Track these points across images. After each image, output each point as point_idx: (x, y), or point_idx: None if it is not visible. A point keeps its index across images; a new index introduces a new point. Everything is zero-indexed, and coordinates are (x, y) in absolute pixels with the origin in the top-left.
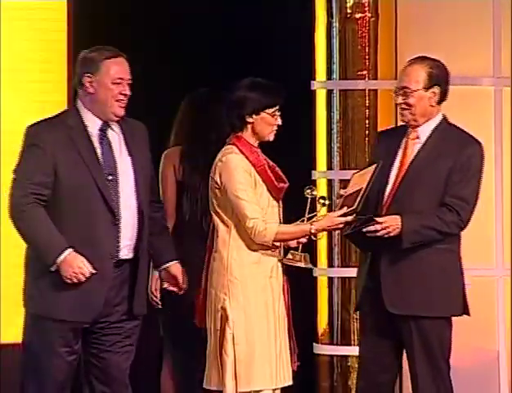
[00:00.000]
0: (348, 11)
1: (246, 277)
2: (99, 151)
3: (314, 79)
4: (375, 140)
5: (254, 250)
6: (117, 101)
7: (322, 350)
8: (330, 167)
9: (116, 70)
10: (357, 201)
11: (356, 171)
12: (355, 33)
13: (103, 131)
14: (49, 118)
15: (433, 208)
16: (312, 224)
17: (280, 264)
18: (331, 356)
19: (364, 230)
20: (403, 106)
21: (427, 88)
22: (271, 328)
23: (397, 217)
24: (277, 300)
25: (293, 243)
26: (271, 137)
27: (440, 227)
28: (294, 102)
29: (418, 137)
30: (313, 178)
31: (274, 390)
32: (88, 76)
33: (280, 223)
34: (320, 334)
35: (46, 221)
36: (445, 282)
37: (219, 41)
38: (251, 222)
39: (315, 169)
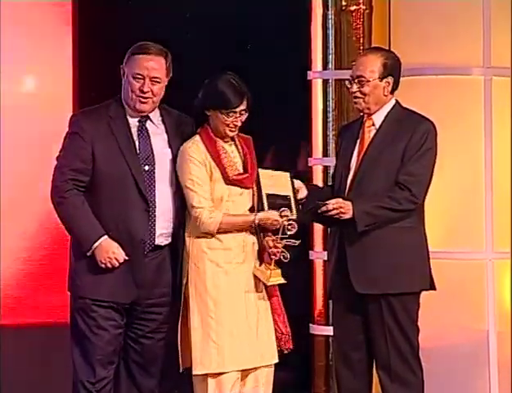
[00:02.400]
0: (343, 3)
1: (204, 263)
2: (137, 141)
3: (310, 69)
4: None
5: (214, 237)
6: (137, 96)
7: (318, 330)
8: (325, 154)
9: (137, 66)
10: (294, 209)
11: (262, 169)
12: (350, 24)
13: (142, 122)
14: (93, 107)
15: (390, 189)
16: (255, 215)
17: (251, 250)
18: (327, 336)
19: (319, 211)
20: (358, 94)
21: (381, 78)
22: (234, 312)
23: (348, 202)
24: (245, 284)
25: (267, 259)
26: (230, 134)
27: (391, 205)
28: (291, 91)
29: (373, 124)
30: (309, 164)
31: (246, 370)
32: (122, 67)
33: (254, 209)
34: (316, 315)
35: (84, 208)
36: (409, 259)
37: (217, 32)
38: (196, 211)
39: (311, 156)
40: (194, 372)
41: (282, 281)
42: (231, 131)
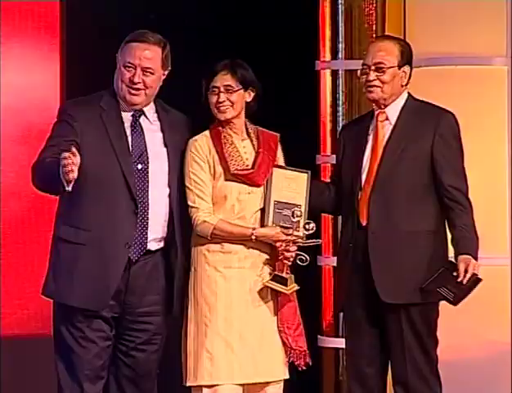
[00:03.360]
0: None
1: (203, 266)
2: (130, 137)
3: (318, 59)
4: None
5: (214, 241)
6: (127, 86)
7: (327, 342)
8: (334, 151)
9: (130, 54)
10: (301, 227)
11: (278, 164)
12: (361, 10)
13: (135, 117)
14: (85, 96)
15: (421, 186)
16: (254, 229)
17: (257, 255)
18: (337, 349)
19: (467, 286)
20: (376, 82)
21: (400, 67)
22: (232, 321)
23: (466, 256)
24: (247, 292)
25: (280, 265)
26: (220, 117)
27: (473, 223)
28: (298, 83)
29: (387, 119)
30: (317, 162)
31: (251, 385)
32: (117, 56)
33: (262, 208)
34: (325, 326)
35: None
36: (434, 267)
37: (222, 22)
38: (191, 211)
39: (319, 153)
40: (186, 384)
41: (297, 287)
42: (220, 112)
